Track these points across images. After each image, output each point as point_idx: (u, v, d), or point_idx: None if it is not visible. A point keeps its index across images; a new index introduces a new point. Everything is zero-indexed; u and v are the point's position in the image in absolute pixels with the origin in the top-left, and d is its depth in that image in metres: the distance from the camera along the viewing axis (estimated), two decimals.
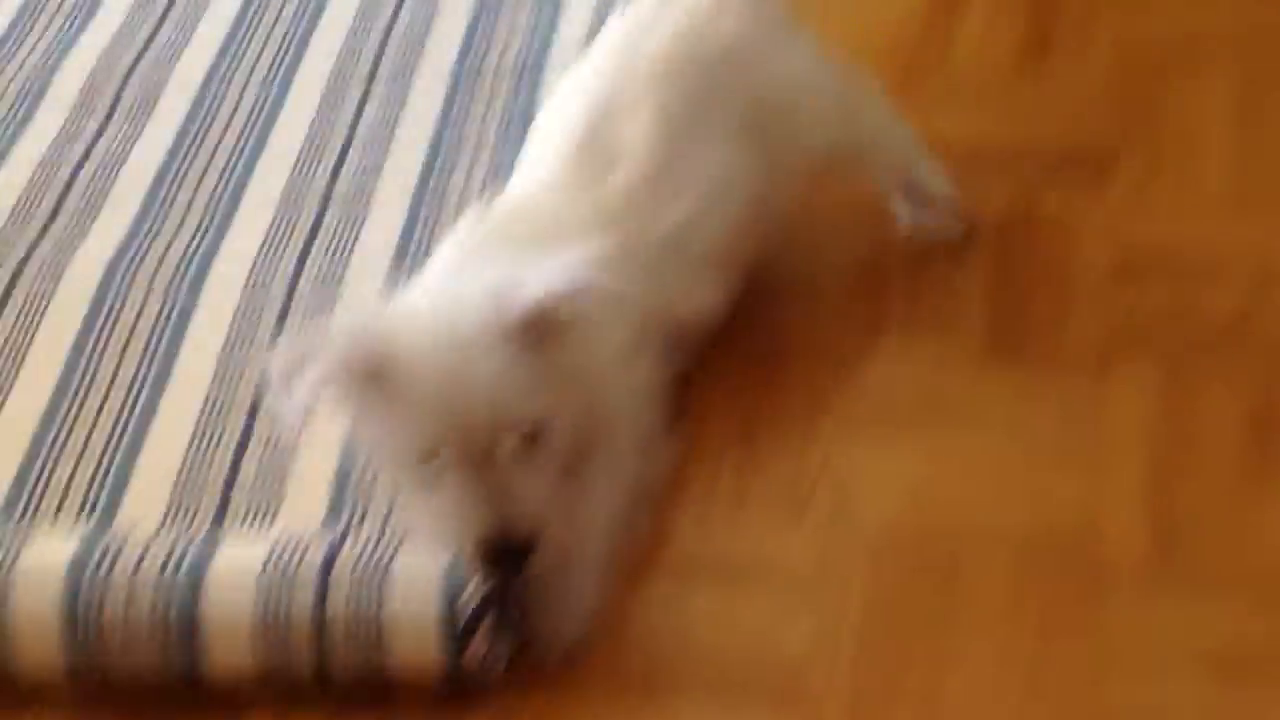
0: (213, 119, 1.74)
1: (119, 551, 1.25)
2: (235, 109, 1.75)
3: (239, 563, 1.24)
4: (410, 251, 1.56)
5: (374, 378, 1.19)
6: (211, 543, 1.26)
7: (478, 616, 1.21)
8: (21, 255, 1.59)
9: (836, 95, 1.48)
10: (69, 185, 1.67)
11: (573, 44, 1.76)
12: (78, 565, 1.23)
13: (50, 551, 1.25)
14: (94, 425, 1.42)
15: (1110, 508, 1.32)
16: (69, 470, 1.39)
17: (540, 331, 1.20)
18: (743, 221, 1.41)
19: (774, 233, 1.47)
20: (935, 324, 1.49)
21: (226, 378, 1.46)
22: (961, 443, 1.38)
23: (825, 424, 1.41)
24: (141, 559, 1.24)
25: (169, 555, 1.24)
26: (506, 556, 1.19)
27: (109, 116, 1.75)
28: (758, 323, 1.48)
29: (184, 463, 1.39)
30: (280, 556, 1.23)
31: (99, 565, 1.23)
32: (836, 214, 1.59)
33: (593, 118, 1.39)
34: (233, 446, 1.40)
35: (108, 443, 1.41)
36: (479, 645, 1.21)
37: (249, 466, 1.38)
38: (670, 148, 1.38)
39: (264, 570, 1.22)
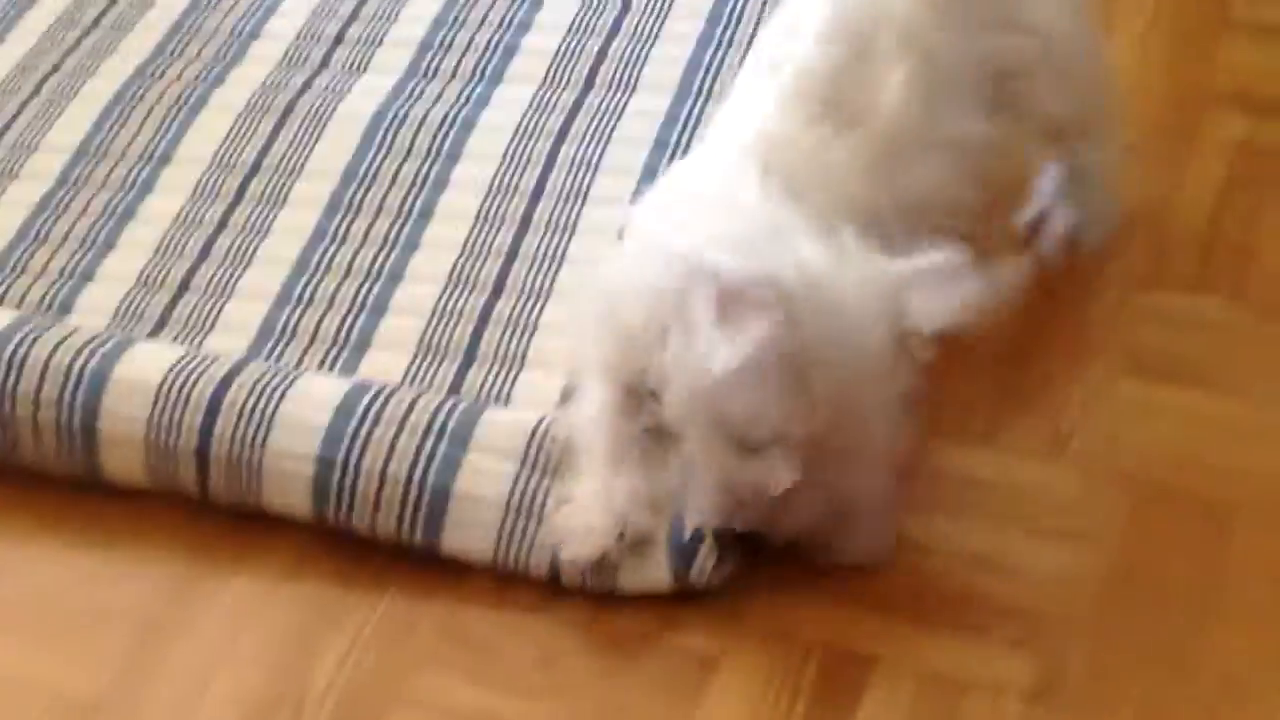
0: None
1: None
2: None
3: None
4: (672, 140, 1.51)
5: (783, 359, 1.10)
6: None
7: (697, 540, 1.18)
8: (291, 98, 1.58)
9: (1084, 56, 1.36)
10: (338, 38, 1.65)
11: None
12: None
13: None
14: (346, 275, 1.41)
15: None
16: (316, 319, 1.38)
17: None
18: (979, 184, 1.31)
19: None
20: (1229, 277, 1.39)
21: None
22: (1243, 408, 1.29)
23: (1091, 369, 1.33)
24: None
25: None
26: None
27: None
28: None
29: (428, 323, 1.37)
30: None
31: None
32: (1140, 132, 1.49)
33: (839, 63, 1.28)
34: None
35: (356, 294, 1.39)
36: (704, 564, 1.18)
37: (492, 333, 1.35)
38: (924, 107, 1.27)
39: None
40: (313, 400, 1.26)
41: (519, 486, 1.22)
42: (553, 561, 1.19)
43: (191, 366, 1.28)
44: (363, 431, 1.23)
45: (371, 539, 1.23)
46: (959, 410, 1.29)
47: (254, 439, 1.24)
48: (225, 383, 1.26)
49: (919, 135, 1.27)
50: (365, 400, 1.25)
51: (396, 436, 1.23)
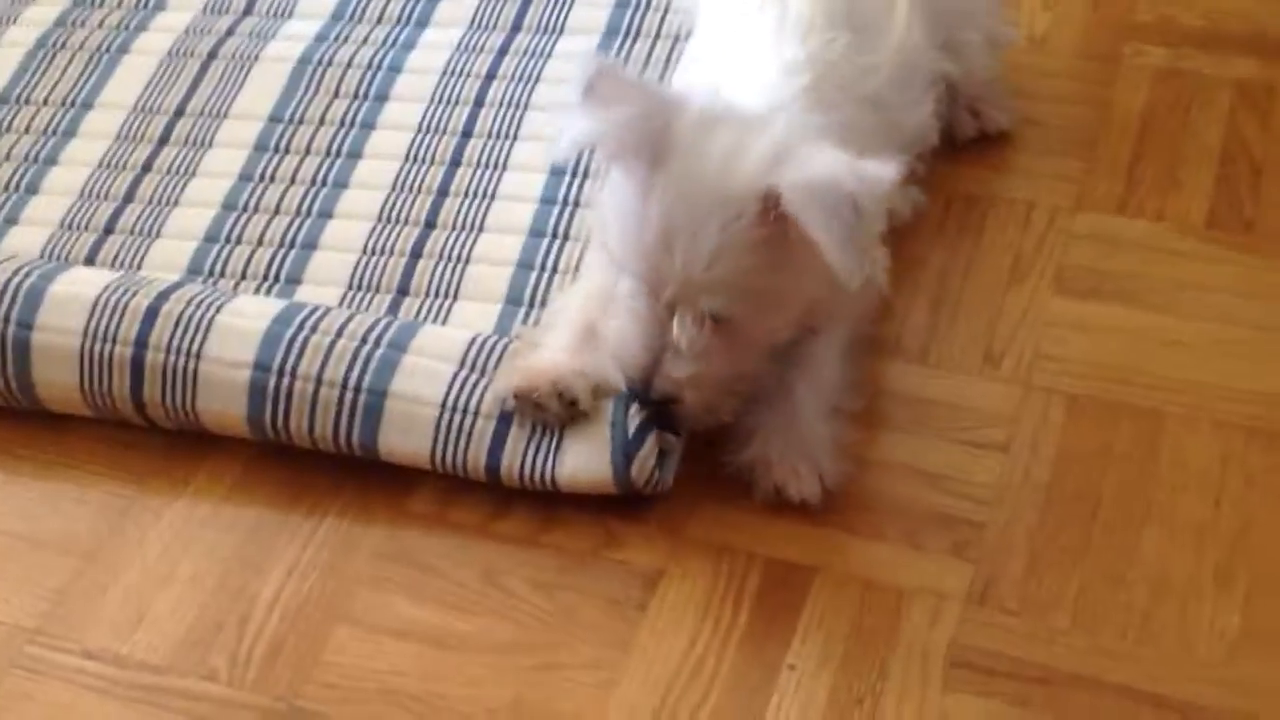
0: None
1: None
2: None
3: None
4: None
5: (649, 160, 1.12)
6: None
7: (641, 437, 1.18)
8: (214, 43, 1.57)
9: None
10: None
11: None
12: None
13: None
14: (275, 213, 1.40)
15: None
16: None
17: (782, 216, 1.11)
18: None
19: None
20: (1154, 199, 1.41)
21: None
22: (1169, 321, 1.31)
23: (1022, 288, 1.34)
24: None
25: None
26: (650, 400, 1.17)
27: None
28: (961, 174, 1.42)
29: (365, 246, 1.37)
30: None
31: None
32: (1052, 61, 1.52)
33: None
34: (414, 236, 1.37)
35: (286, 231, 1.39)
36: (645, 462, 1.18)
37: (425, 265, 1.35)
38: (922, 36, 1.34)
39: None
40: (250, 311, 1.25)
41: (456, 386, 1.21)
42: (490, 463, 1.19)
43: (130, 283, 1.27)
44: (299, 338, 1.23)
45: (311, 461, 1.23)
46: (894, 328, 1.31)
47: (190, 347, 1.23)
48: (163, 296, 1.26)
49: (919, 63, 1.31)
50: (303, 312, 1.25)
51: (334, 342, 1.22)
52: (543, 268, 1.34)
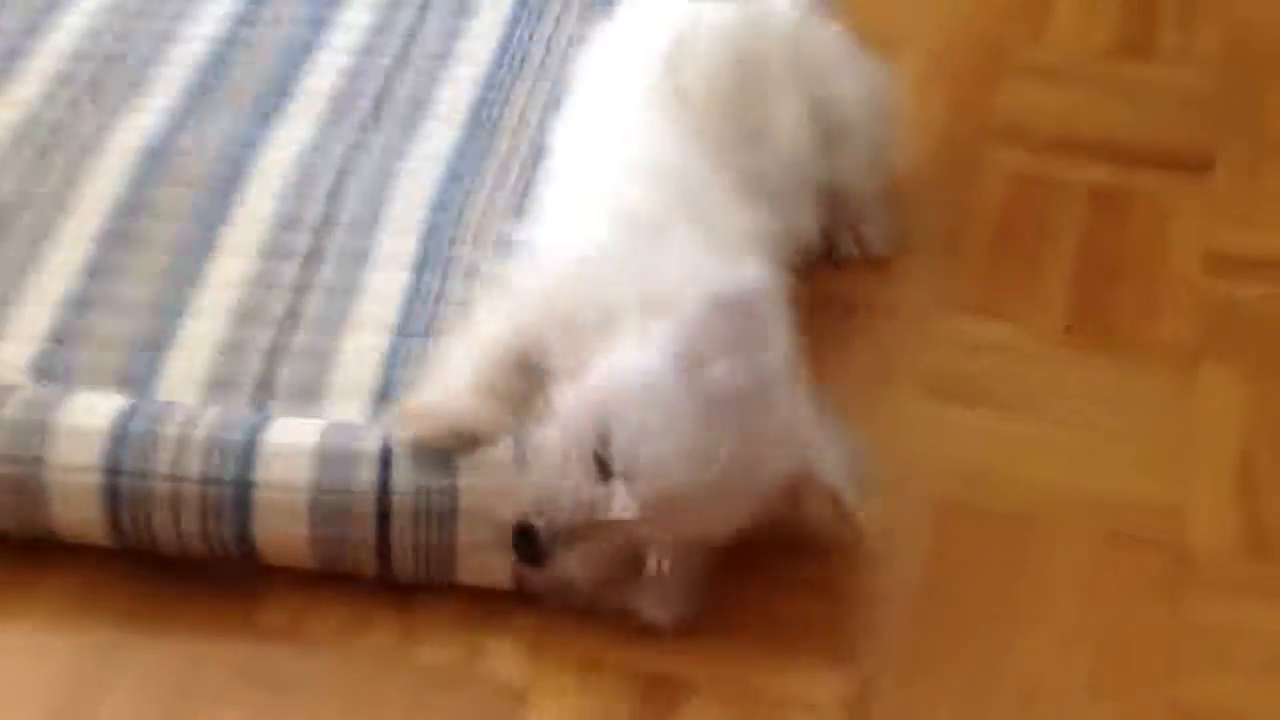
0: None
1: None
2: None
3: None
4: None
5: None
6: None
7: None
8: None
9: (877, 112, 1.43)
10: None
11: None
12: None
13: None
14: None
15: (1196, 506, 1.26)
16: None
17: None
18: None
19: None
20: (1014, 302, 1.42)
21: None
22: (1036, 427, 1.32)
23: (889, 390, 1.34)
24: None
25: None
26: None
27: None
28: (824, 284, 1.40)
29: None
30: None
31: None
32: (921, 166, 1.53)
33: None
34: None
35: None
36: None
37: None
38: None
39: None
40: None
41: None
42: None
43: None
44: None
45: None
46: None
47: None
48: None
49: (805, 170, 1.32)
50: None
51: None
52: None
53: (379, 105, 1.54)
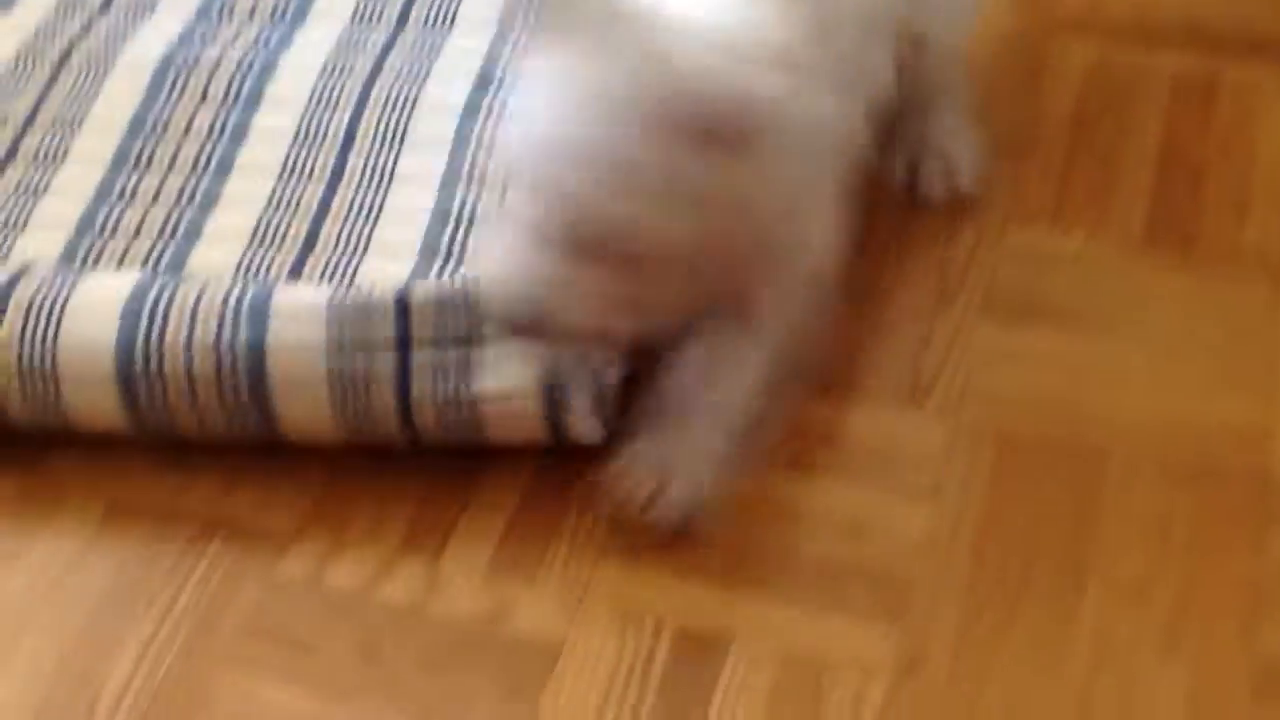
0: None
1: None
2: None
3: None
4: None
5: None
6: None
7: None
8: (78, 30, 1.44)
9: None
10: None
11: None
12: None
13: None
14: (135, 235, 1.28)
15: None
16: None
17: (709, 140, 0.98)
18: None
19: None
20: (1088, 210, 1.31)
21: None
22: (1110, 347, 1.22)
23: (950, 313, 1.24)
24: None
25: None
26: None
27: None
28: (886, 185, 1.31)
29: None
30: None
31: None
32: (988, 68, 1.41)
33: None
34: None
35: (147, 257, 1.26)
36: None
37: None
38: None
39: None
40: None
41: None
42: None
43: None
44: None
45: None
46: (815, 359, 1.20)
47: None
48: None
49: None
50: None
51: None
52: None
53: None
